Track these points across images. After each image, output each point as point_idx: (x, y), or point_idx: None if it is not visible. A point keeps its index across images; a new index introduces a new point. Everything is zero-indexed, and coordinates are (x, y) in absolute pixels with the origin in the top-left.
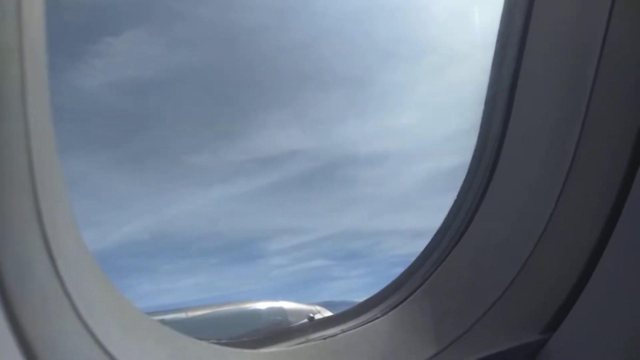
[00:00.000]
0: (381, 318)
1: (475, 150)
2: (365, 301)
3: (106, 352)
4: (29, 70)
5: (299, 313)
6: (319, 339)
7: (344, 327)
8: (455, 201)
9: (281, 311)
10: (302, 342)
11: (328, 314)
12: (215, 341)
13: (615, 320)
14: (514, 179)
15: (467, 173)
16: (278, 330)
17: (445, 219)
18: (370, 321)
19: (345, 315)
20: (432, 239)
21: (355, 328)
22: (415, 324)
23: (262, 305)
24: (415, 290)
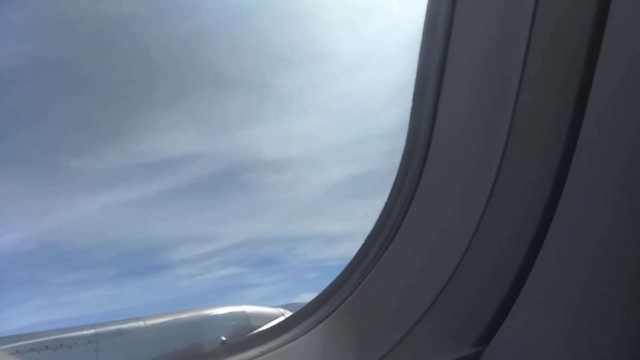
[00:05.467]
0: (304, 336)
1: (404, 154)
2: (288, 318)
3: None
4: None
5: (261, 317)
6: None
7: (263, 348)
8: (384, 208)
9: (243, 315)
10: None
11: None
12: None
13: (550, 331)
14: (442, 184)
15: (395, 179)
16: (187, 357)
17: (374, 226)
18: (293, 340)
19: (264, 335)
20: (360, 248)
21: (276, 349)
22: (341, 340)
23: (223, 311)
24: (340, 304)
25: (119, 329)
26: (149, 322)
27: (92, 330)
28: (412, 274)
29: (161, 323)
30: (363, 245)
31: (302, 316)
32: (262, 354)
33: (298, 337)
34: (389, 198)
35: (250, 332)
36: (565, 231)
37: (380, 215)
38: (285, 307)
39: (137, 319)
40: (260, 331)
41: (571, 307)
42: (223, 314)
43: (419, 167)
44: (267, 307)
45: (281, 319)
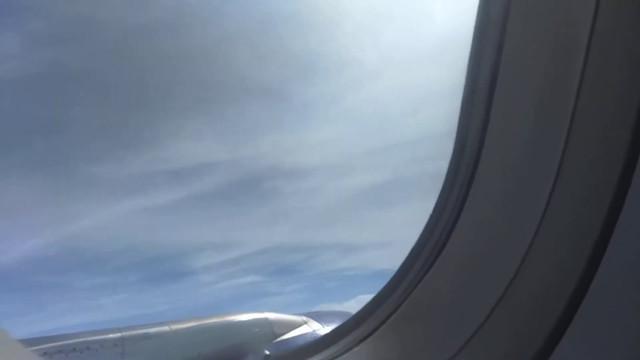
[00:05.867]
0: (345, 354)
1: (452, 160)
2: (331, 332)
3: None
4: None
5: (284, 324)
6: None
7: None
8: (430, 218)
9: (266, 322)
10: None
11: (315, 324)
12: None
13: (609, 351)
14: (494, 192)
15: (443, 185)
16: None
17: (420, 236)
18: (335, 358)
19: (307, 351)
20: (406, 260)
21: None
22: (387, 358)
23: (247, 317)
24: (384, 321)
25: (145, 333)
26: (174, 326)
27: (119, 334)
28: (462, 288)
29: (186, 328)
30: (408, 256)
31: (344, 332)
32: None
33: (340, 355)
34: (436, 205)
35: (273, 340)
36: (628, 243)
37: (427, 225)
38: (307, 315)
39: (162, 323)
40: (303, 346)
41: (633, 326)
42: (246, 320)
43: (470, 172)
44: (290, 315)
45: (304, 326)
